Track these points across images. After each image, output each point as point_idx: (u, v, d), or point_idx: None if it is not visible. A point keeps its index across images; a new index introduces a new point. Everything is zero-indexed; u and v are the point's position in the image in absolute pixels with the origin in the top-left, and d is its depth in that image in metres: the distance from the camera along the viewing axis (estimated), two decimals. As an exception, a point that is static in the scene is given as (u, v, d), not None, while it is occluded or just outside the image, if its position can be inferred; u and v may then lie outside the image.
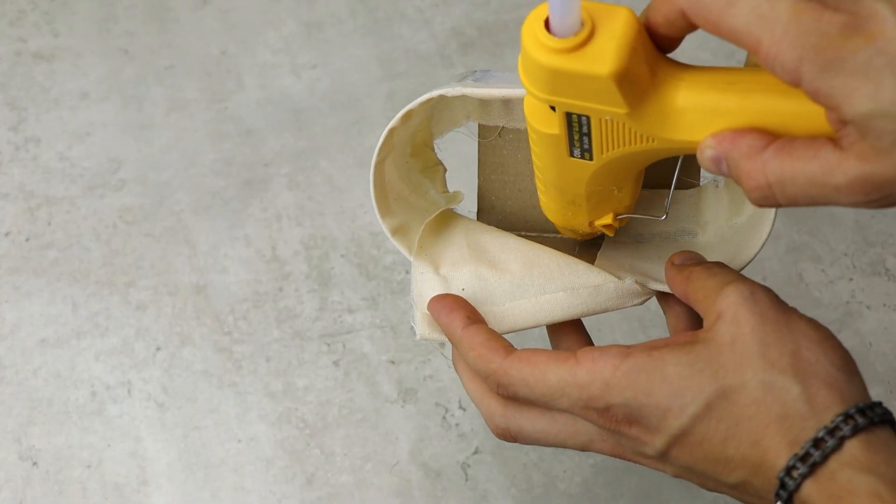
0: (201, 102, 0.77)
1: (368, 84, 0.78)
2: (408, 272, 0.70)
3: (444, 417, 0.65)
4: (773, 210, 0.49)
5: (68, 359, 0.67)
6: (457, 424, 0.65)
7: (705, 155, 0.42)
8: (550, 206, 0.51)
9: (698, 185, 0.55)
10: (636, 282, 0.50)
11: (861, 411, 0.41)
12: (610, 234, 0.51)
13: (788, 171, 0.39)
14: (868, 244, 0.71)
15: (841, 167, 0.38)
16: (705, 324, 0.45)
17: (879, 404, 0.42)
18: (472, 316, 0.50)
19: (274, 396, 0.66)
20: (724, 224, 0.54)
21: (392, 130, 0.52)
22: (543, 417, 0.48)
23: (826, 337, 0.43)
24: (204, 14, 0.81)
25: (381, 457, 0.64)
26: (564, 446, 0.48)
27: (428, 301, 0.52)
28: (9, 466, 0.63)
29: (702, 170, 0.54)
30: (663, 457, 0.44)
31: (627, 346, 0.44)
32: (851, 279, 0.70)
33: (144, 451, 0.64)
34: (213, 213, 0.72)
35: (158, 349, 0.67)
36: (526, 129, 0.53)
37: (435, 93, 0.52)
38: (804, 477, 0.40)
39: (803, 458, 0.40)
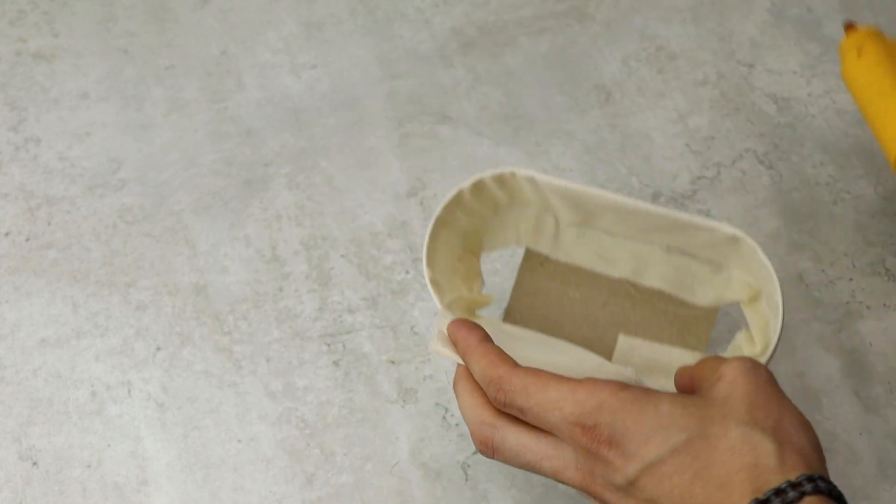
0: (201, 102, 0.77)
1: (368, 84, 0.78)
2: (408, 272, 0.70)
3: (444, 417, 0.65)
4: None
5: (68, 359, 0.67)
6: (457, 424, 0.65)
7: None
8: None
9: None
10: (636, 374, 0.53)
11: (825, 481, 0.44)
12: None
13: None
14: (868, 244, 0.71)
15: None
16: (704, 387, 0.48)
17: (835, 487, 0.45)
18: (489, 338, 0.53)
19: (274, 396, 0.66)
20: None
21: (461, 192, 0.60)
22: (530, 434, 0.50)
23: (807, 423, 0.47)
24: (204, 14, 0.81)
25: (381, 457, 0.64)
26: (538, 467, 0.50)
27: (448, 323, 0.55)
28: (8, 466, 0.63)
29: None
30: (631, 486, 0.46)
31: (630, 384, 0.48)
32: (851, 279, 0.70)
33: (144, 451, 0.64)
34: (213, 213, 0.72)
35: (158, 349, 0.67)
36: (568, 263, 0.61)
37: (507, 169, 0.60)
38: None
39: (764, 503, 0.43)
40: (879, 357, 0.67)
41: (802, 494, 0.43)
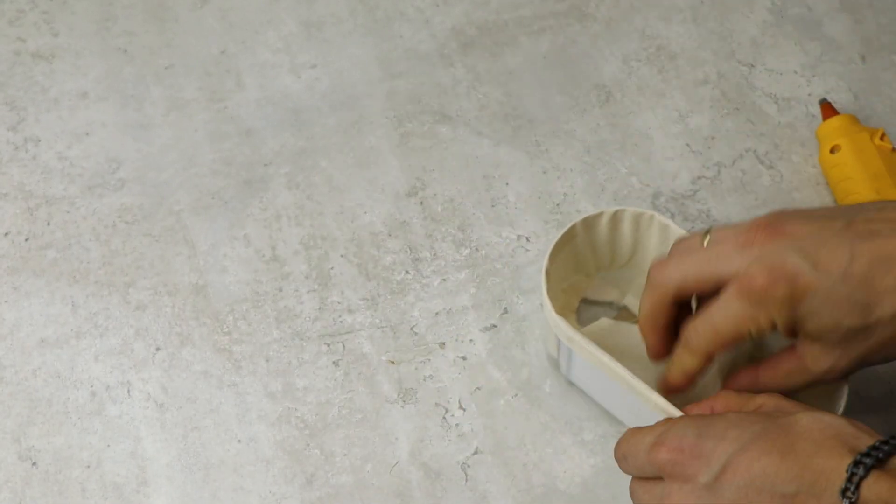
0: (201, 102, 0.77)
1: (368, 84, 0.78)
2: (408, 272, 0.70)
3: (444, 417, 0.65)
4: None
5: (68, 359, 0.67)
6: (457, 424, 0.65)
7: None
8: None
9: None
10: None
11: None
12: None
13: None
14: (868, 244, 0.71)
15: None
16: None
17: None
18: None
19: (274, 397, 0.66)
20: None
21: (602, 214, 0.64)
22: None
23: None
24: (203, 13, 0.81)
25: (381, 457, 0.64)
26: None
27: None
28: (8, 467, 0.63)
29: None
30: (716, 481, 0.49)
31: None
32: (852, 279, 0.70)
33: (144, 451, 0.64)
34: (212, 213, 0.72)
35: (158, 349, 0.67)
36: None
37: (647, 211, 0.64)
38: (868, 470, 0.45)
39: (866, 455, 0.45)
40: (880, 357, 0.67)
41: (894, 448, 0.46)
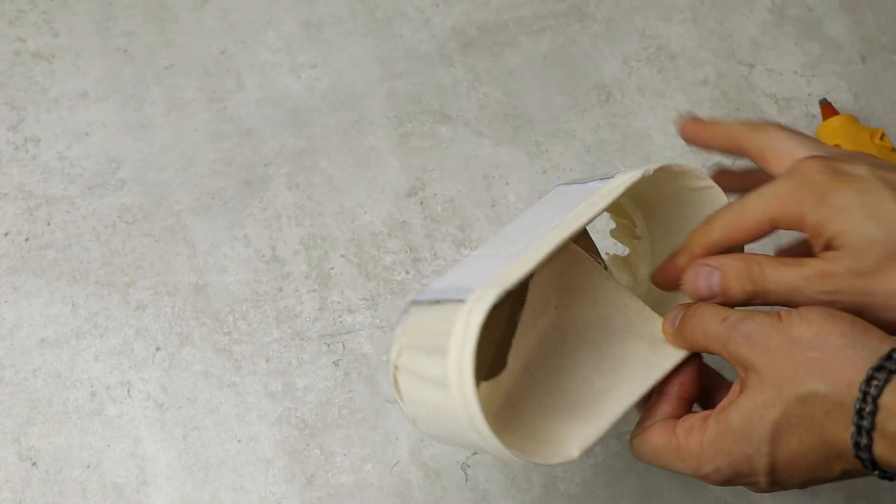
0: (201, 102, 0.77)
1: (368, 84, 0.78)
2: (408, 272, 0.70)
3: (444, 418, 0.65)
4: None
5: (68, 359, 0.67)
6: (457, 425, 0.65)
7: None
8: None
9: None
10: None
11: (879, 367, 0.45)
12: None
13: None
14: (868, 244, 0.71)
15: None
16: (741, 372, 0.50)
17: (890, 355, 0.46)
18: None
19: (273, 397, 0.66)
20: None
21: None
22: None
23: (819, 328, 0.47)
24: (203, 13, 0.81)
25: (381, 457, 0.64)
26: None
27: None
28: (8, 467, 0.63)
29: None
30: (774, 486, 0.50)
31: (706, 414, 0.50)
32: (852, 279, 0.70)
33: (144, 451, 0.64)
34: (212, 213, 0.72)
35: (158, 349, 0.67)
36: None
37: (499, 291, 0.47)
38: (872, 415, 0.45)
39: (860, 412, 0.45)
40: (880, 357, 0.67)
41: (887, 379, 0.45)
